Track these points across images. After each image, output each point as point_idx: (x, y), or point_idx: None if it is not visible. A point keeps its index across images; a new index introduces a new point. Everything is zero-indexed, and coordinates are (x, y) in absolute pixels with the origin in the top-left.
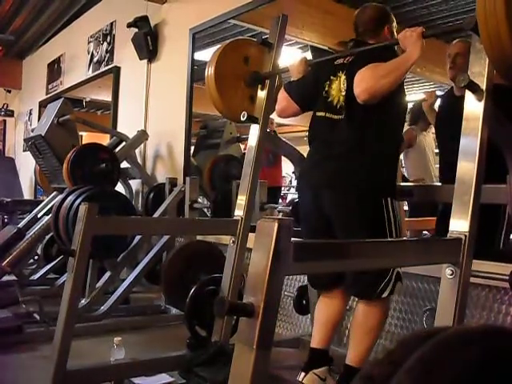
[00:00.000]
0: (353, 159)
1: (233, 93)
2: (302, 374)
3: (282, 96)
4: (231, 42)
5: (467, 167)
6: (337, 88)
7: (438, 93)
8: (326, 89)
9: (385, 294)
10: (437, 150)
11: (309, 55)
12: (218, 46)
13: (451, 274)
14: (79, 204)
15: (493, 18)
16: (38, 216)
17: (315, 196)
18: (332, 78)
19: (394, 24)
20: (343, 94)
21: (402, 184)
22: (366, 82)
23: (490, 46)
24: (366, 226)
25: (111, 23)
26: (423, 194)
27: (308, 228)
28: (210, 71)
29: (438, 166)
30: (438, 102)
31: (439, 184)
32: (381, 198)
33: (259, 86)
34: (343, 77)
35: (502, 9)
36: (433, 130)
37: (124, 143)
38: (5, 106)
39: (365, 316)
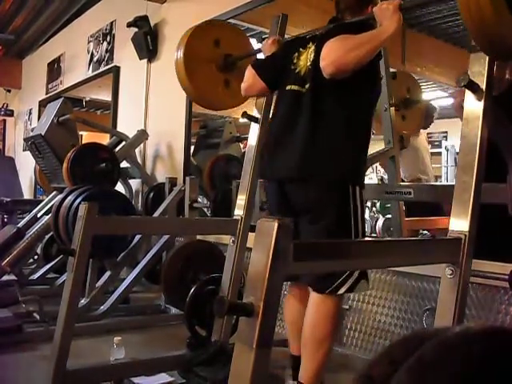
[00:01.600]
0: (315, 145)
1: (204, 78)
2: (292, 382)
3: (249, 73)
4: (200, 25)
5: (467, 167)
6: (305, 59)
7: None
8: (295, 61)
9: (341, 291)
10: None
11: None
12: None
13: (451, 274)
14: (79, 204)
15: None
16: (38, 216)
17: (280, 187)
18: (301, 49)
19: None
20: (309, 64)
21: (401, 184)
22: (334, 53)
23: (469, 16)
24: (332, 219)
25: (111, 23)
26: (422, 193)
27: None
28: (178, 56)
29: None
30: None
31: (439, 183)
32: (347, 187)
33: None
34: (312, 47)
35: None
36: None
37: (124, 143)
38: (4, 106)
39: (316, 317)
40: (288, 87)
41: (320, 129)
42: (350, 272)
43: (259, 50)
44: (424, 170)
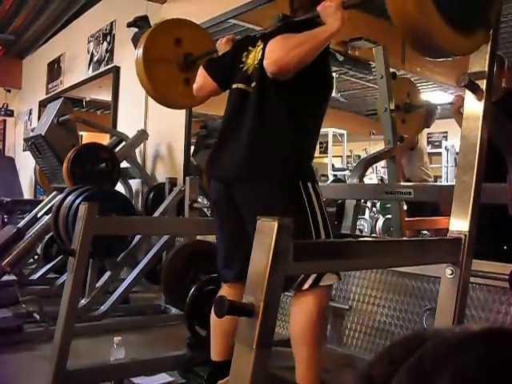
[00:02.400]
0: (260, 145)
1: (164, 77)
2: None
3: (200, 73)
4: (161, 24)
5: (467, 167)
6: (253, 57)
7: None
8: (243, 59)
9: (305, 286)
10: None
11: None
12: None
13: (451, 274)
14: (79, 204)
15: None
16: (38, 216)
17: (226, 188)
18: (250, 48)
19: None
20: (257, 62)
21: (401, 184)
22: (276, 53)
23: (396, 14)
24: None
25: (111, 23)
26: (422, 193)
27: (219, 224)
28: (138, 55)
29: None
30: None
31: (439, 184)
32: (297, 185)
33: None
34: (261, 46)
35: None
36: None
37: (124, 143)
38: (5, 106)
39: (292, 316)
40: (235, 86)
41: (265, 128)
42: None
43: (215, 50)
44: (426, 172)
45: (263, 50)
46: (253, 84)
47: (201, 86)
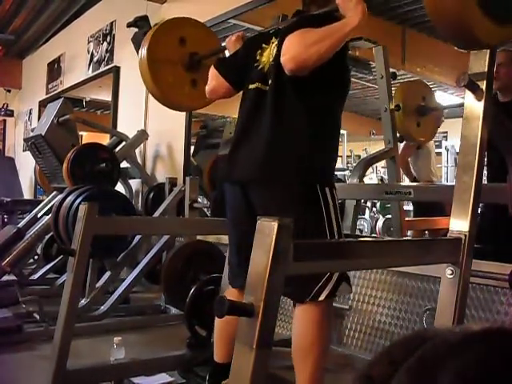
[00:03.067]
0: (278, 146)
1: (170, 78)
2: None
3: (212, 74)
4: (163, 24)
5: (467, 167)
6: (267, 55)
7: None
8: (258, 58)
9: (322, 297)
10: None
11: None
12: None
13: (451, 274)
14: (79, 204)
15: None
16: (38, 216)
17: (242, 189)
18: (264, 45)
19: None
20: (272, 60)
21: (401, 184)
22: (294, 49)
23: (433, 5)
24: (300, 222)
25: (111, 23)
26: (422, 193)
27: (236, 231)
28: (141, 57)
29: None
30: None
31: (439, 184)
32: (315, 189)
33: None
34: (276, 42)
35: None
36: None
37: (124, 143)
38: (5, 106)
39: (300, 326)
40: (251, 86)
41: (282, 128)
42: (329, 276)
43: (223, 48)
44: (434, 173)
45: (278, 46)
46: (269, 83)
47: (213, 87)
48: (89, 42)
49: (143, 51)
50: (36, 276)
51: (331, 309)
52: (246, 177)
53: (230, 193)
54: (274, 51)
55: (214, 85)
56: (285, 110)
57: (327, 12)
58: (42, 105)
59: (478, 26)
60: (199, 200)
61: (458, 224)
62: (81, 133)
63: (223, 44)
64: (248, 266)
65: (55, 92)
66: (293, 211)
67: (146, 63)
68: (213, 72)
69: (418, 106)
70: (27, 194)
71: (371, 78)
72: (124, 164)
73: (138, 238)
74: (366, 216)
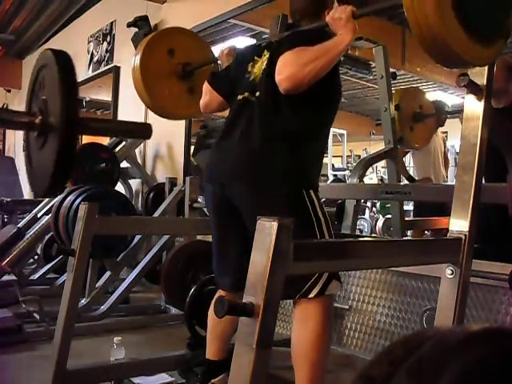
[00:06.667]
0: (263, 149)
1: (167, 92)
2: None
3: (206, 89)
4: (151, 39)
5: (467, 167)
6: (259, 67)
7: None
8: (249, 69)
9: (311, 295)
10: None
11: None
12: (219, 45)
13: (451, 274)
14: (79, 204)
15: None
16: (38, 216)
17: (222, 190)
18: (256, 58)
19: (335, 5)
20: (262, 71)
21: (401, 184)
22: (289, 68)
23: (419, 29)
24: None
25: (111, 23)
26: (422, 193)
27: (215, 228)
28: (135, 77)
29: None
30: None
31: (439, 184)
32: (301, 191)
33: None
34: (267, 55)
35: None
36: (441, 129)
37: (124, 143)
38: (5, 106)
39: (299, 326)
40: (240, 96)
41: (267, 137)
42: (318, 276)
43: (216, 59)
44: (438, 172)
45: (269, 59)
46: (257, 93)
47: (208, 102)
48: (89, 42)
49: (135, 71)
50: (36, 276)
51: (331, 309)
52: (226, 177)
53: (209, 193)
54: (265, 64)
55: (208, 99)
56: (270, 121)
57: (318, 28)
58: None
59: (462, 47)
60: (199, 200)
61: (458, 224)
62: None
63: (216, 55)
64: (230, 267)
65: None
66: (279, 213)
67: (140, 82)
68: (206, 87)
69: (413, 113)
70: (27, 194)
71: (371, 78)
72: (124, 164)
73: (137, 237)
74: (366, 216)
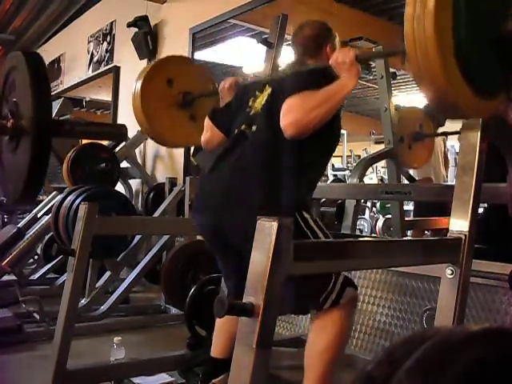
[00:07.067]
0: (256, 177)
1: (168, 121)
2: None
3: (207, 125)
4: (149, 71)
5: (467, 167)
6: (260, 102)
7: None
8: (250, 104)
9: (327, 305)
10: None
11: None
12: (218, 45)
13: (451, 274)
14: (79, 204)
15: (422, 46)
16: (38, 216)
17: (212, 220)
18: (258, 93)
19: (337, 40)
20: (261, 107)
21: (401, 184)
22: (294, 114)
23: (425, 86)
24: None
25: (111, 23)
26: (422, 193)
27: (213, 250)
28: (135, 103)
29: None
30: None
31: (439, 184)
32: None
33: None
34: (269, 90)
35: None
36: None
37: (124, 143)
38: None
39: (314, 333)
40: (237, 129)
41: (261, 169)
42: (331, 289)
43: (217, 91)
44: (439, 173)
45: (270, 95)
46: (253, 127)
47: (209, 138)
48: (89, 42)
49: (135, 98)
50: (36, 276)
51: (350, 314)
52: (217, 209)
53: (199, 223)
54: (264, 99)
55: (209, 136)
56: (266, 152)
57: (322, 68)
58: None
59: (466, 101)
60: None
61: (458, 224)
62: None
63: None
64: (233, 278)
65: (55, 92)
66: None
67: (140, 111)
68: (207, 123)
69: (412, 133)
70: None
71: (371, 78)
72: (124, 164)
73: (137, 237)
74: (366, 216)
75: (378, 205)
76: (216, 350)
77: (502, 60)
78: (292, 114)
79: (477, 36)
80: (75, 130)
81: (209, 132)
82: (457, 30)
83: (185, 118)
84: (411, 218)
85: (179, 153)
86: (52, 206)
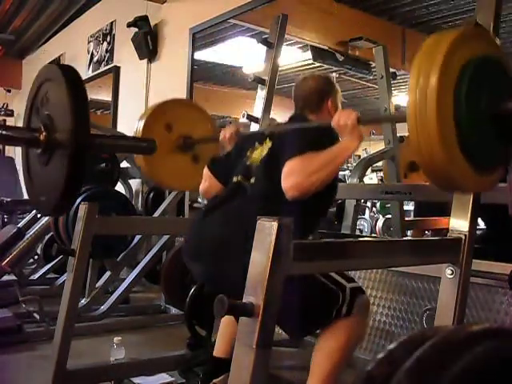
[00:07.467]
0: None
1: (170, 166)
2: None
3: (206, 175)
4: (148, 118)
5: None
6: (258, 153)
7: None
8: (248, 154)
9: (340, 316)
10: None
11: (309, 55)
12: (218, 45)
13: (451, 274)
14: (79, 204)
15: (424, 129)
16: (38, 216)
17: (207, 270)
18: (257, 144)
19: (339, 95)
20: (260, 159)
21: (401, 184)
22: (296, 177)
23: (423, 161)
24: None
25: (111, 23)
26: (422, 193)
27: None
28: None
29: None
30: None
31: None
32: None
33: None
34: (269, 144)
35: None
36: None
37: None
38: (5, 106)
39: (325, 339)
40: (234, 179)
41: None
42: (341, 303)
43: (217, 138)
44: None
45: (270, 149)
46: (252, 180)
47: (207, 188)
48: (89, 42)
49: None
50: (36, 276)
51: (363, 320)
52: (209, 258)
53: (193, 269)
54: (265, 152)
55: (208, 186)
56: (264, 205)
57: (324, 127)
58: None
59: (463, 176)
60: (199, 200)
61: (458, 224)
62: None
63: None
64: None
65: None
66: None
67: (144, 163)
68: (206, 173)
69: (410, 162)
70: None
71: (371, 78)
72: (124, 164)
73: (137, 237)
74: (366, 216)
75: (378, 205)
76: (219, 350)
77: (502, 136)
78: (293, 178)
79: (477, 113)
80: (109, 144)
81: (207, 182)
82: (458, 108)
83: (187, 161)
84: (411, 217)
85: None
86: None
